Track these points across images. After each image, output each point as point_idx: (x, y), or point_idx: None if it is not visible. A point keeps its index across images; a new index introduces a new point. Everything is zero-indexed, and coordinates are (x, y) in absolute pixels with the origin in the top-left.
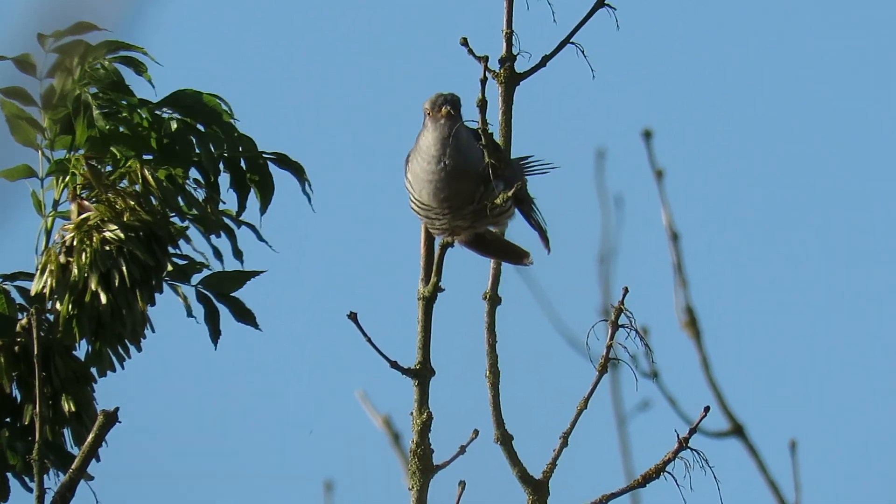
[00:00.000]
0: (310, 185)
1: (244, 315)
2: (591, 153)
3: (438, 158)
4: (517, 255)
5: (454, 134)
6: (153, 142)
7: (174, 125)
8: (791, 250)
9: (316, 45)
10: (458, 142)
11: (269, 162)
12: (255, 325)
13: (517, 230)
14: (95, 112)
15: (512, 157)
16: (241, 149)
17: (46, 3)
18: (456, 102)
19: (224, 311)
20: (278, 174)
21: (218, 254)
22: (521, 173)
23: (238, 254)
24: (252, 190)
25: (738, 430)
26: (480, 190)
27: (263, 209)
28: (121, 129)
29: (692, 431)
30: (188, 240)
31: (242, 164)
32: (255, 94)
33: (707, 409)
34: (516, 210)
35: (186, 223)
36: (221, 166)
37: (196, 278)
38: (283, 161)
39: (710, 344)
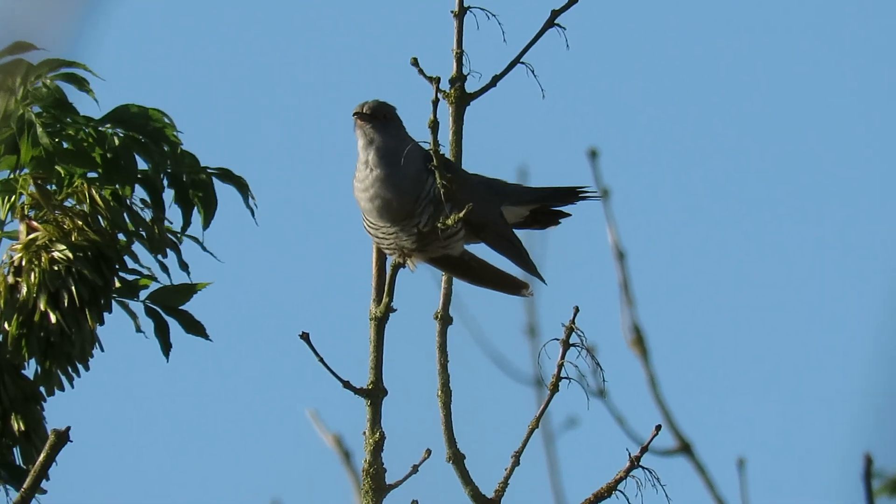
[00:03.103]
0: (253, 199)
1: (193, 327)
2: (541, 171)
3: (365, 164)
4: (513, 286)
5: (375, 140)
6: (98, 159)
7: (117, 140)
8: (737, 267)
9: (266, 62)
10: (382, 148)
11: (212, 177)
12: (206, 336)
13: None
14: (39, 130)
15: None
16: (184, 164)
17: None
18: (376, 108)
19: (174, 325)
20: (222, 190)
21: (164, 268)
22: (494, 198)
23: (184, 266)
24: (195, 205)
25: (686, 448)
26: (429, 209)
27: (206, 224)
28: (65, 147)
29: (643, 450)
30: (134, 256)
31: (185, 179)
32: (197, 108)
33: (658, 427)
34: (481, 239)
35: (131, 240)
36: (165, 182)
37: (143, 294)
38: (227, 176)
39: (657, 362)
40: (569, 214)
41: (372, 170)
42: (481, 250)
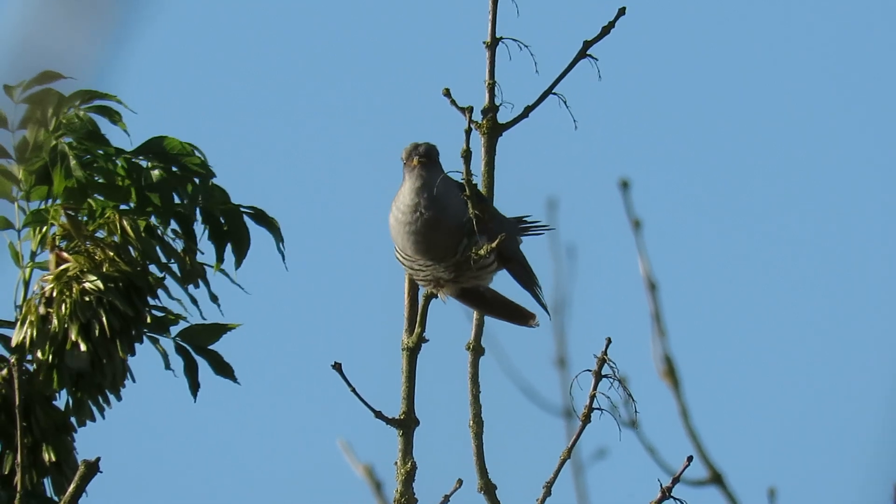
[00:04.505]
0: (283, 243)
1: (222, 368)
2: (570, 203)
3: (414, 208)
4: (522, 317)
5: (430, 183)
6: (131, 191)
7: (155, 174)
8: (768, 298)
9: (299, 97)
10: (435, 191)
11: (244, 216)
12: (234, 379)
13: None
14: (73, 162)
15: (505, 214)
16: (217, 199)
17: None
18: (430, 151)
19: (203, 364)
20: (252, 227)
21: (194, 301)
22: (514, 230)
23: (214, 298)
24: (228, 242)
25: (717, 479)
26: (463, 242)
27: (238, 263)
28: (97, 179)
29: (675, 481)
30: (166, 289)
31: (218, 215)
32: (226, 141)
33: (690, 458)
34: (506, 269)
35: (163, 273)
36: (199, 217)
37: (174, 330)
38: (260, 216)
39: (688, 393)
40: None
41: (422, 214)
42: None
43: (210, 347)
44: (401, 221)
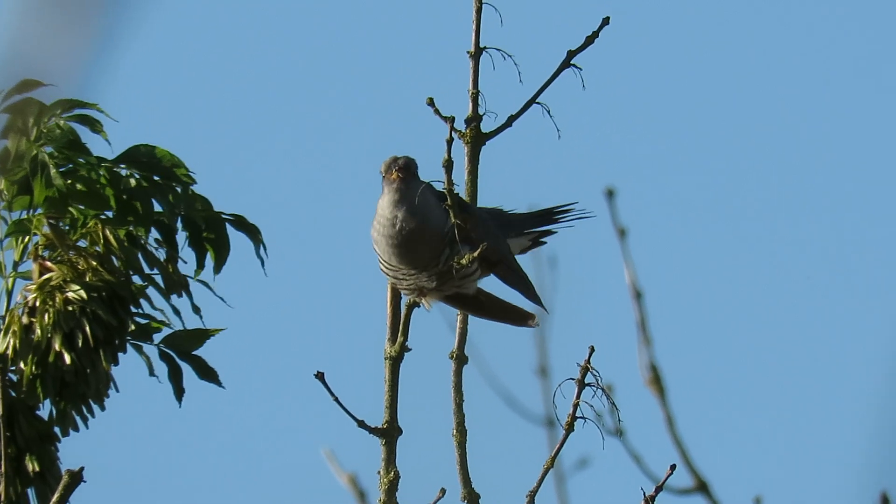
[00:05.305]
0: (265, 249)
1: (207, 373)
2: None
3: (393, 221)
4: (520, 317)
5: (408, 196)
6: (112, 200)
7: (133, 182)
8: (755, 307)
9: (283, 105)
10: (414, 203)
11: (225, 222)
12: (219, 383)
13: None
14: (53, 171)
15: (525, 212)
16: (197, 206)
17: None
18: (409, 164)
19: (187, 370)
20: (232, 234)
21: (176, 311)
22: (501, 232)
23: (196, 310)
24: (208, 249)
25: (702, 487)
26: (445, 252)
27: (217, 269)
28: (79, 188)
29: (658, 489)
30: (149, 299)
31: (199, 222)
32: (207, 149)
33: (673, 466)
34: (494, 274)
35: (146, 282)
36: (179, 224)
37: (157, 337)
38: (240, 223)
39: (673, 401)
40: (555, 232)
41: (402, 226)
42: (484, 282)
43: (194, 353)
44: (381, 234)
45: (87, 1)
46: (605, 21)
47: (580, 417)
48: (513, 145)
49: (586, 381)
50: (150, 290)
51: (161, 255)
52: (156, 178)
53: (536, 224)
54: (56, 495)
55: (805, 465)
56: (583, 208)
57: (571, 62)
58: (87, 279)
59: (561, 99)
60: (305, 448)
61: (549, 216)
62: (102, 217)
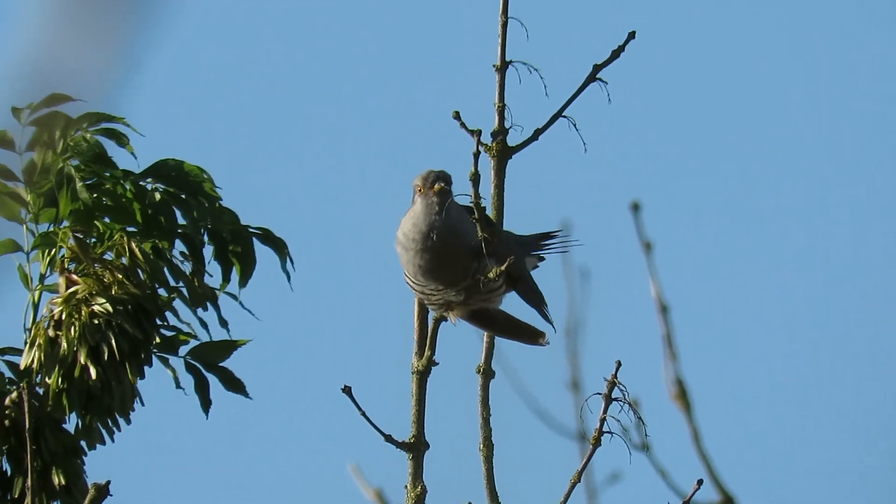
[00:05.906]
0: (291, 262)
1: (233, 384)
2: (582, 225)
3: (428, 234)
4: (531, 335)
5: (444, 210)
6: (137, 213)
7: (158, 196)
8: (779, 320)
9: (310, 119)
10: (449, 217)
11: (252, 236)
12: (245, 394)
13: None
14: (79, 185)
15: (524, 234)
16: (224, 220)
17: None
18: (448, 179)
19: (214, 382)
20: (260, 247)
21: (203, 324)
22: (522, 250)
23: (223, 322)
24: (234, 263)
25: (728, 502)
26: (473, 265)
27: (243, 283)
28: (104, 201)
29: None
30: (175, 312)
31: (225, 235)
32: (233, 163)
33: (700, 481)
34: (514, 290)
35: (172, 295)
36: (205, 238)
37: (184, 349)
38: (267, 237)
39: (700, 416)
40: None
41: (436, 240)
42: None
43: (221, 364)
44: (412, 249)
45: (114, 17)
46: (631, 35)
47: (607, 432)
48: (539, 159)
49: (613, 395)
50: (178, 303)
51: (187, 268)
52: (182, 194)
53: (539, 247)
54: None
55: (831, 480)
56: (566, 236)
57: (597, 76)
58: (113, 292)
59: (587, 112)
60: (332, 462)
61: (542, 240)
62: (128, 230)
